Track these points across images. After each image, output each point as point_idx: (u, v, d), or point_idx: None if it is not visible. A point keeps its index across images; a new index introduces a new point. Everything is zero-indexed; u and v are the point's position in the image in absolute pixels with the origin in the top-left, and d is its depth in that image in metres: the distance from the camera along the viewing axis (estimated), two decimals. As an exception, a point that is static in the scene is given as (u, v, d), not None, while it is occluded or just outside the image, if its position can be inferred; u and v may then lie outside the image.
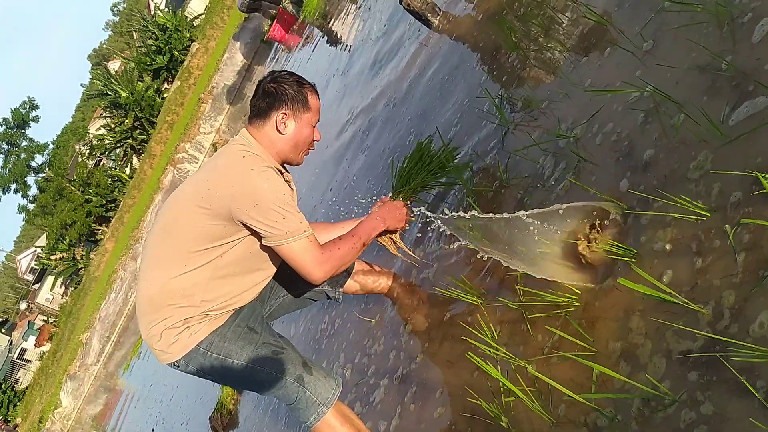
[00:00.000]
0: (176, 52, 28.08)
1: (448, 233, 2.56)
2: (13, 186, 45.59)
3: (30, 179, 45.68)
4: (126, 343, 17.07)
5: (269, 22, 15.08)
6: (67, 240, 32.42)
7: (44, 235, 38.50)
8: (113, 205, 31.01)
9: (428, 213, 2.58)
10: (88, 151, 34.90)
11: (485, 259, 2.01)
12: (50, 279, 37.92)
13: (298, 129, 2.17)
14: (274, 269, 2.27)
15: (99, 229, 31.59)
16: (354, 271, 2.72)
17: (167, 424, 7.10)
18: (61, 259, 32.68)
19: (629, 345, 1.42)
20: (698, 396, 1.20)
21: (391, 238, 2.62)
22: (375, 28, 6.92)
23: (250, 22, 17.48)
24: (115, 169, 33.25)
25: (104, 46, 64.36)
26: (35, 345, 39.84)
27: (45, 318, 41.01)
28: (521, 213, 1.76)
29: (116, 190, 31.94)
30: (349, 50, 7.89)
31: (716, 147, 1.46)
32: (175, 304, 2.04)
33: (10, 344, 44.26)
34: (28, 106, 46.76)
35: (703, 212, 1.38)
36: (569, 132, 2.12)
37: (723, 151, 1.44)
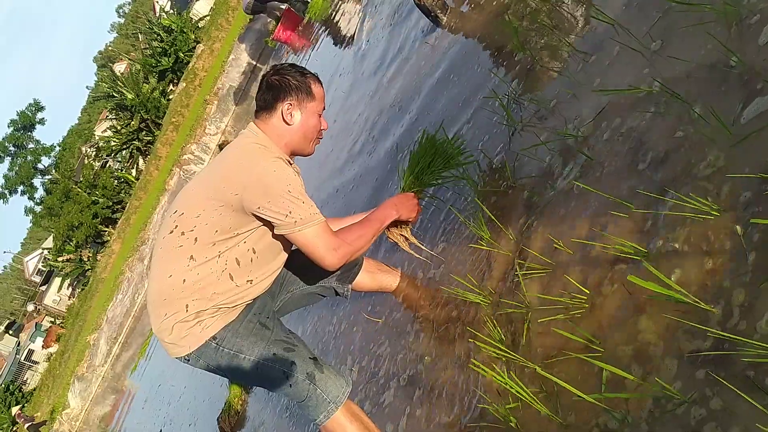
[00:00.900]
0: (181, 54, 28.13)
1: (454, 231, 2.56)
2: (20, 188, 45.79)
3: (36, 181, 45.89)
4: (133, 344, 17.11)
5: (274, 23, 15.08)
6: (74, 241, 32.52)
7: (51, 237, 38.65)
8: (119, 206, 31.10)
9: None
10: (94, 152, 35.03)
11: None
12: (57, 280, 38.06)
13: (305, 118, 2.21)
14: (284, 261, 2.29)
15: (105, 231, 31.68)
16: (363, 268, 2.73)
17: (175, 425, 7.11)
18: (68, 260, 32.80)
19: (639, 344, 1.42)
20: (707, 393, 1.20)
21: (402, 234, 2.64)
22: (381, 27, 6.92)
23: (255, 24, 17.48)
24: (121, 170, 33.33)
25: (110, 48, 64.58)
26: (42, 346, 39.95)
27: (52, 319, 41.17)
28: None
29: (122, 191, 32.03)
30: (355, 50, 7.89)
31: (726, 146, 1.46)
32: (187, 297, 2.05)
33: (18, 346, 44.47)
34: (34, 108, 46.96)
35: (713, 211, 1.38)
36: (577, 131, 2.12)
37: (733, 151, 1.43)
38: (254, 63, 17.49)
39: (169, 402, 8.32)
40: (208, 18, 26.76)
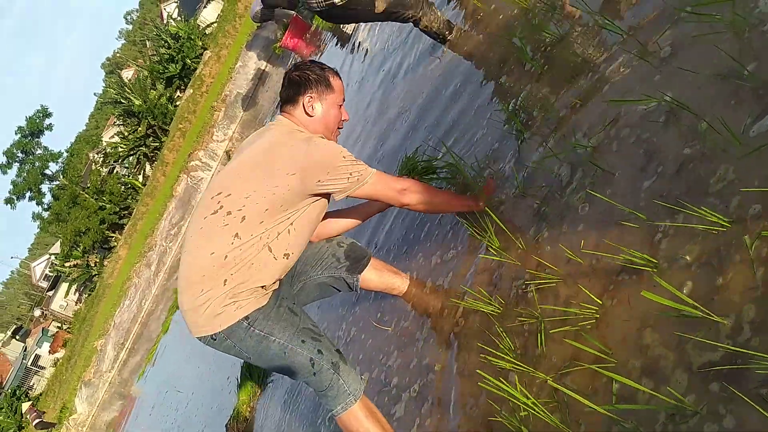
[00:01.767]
0: (189, 61, 28.33)
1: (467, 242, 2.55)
2: (28, 194, 46.10)
3: (44, 187, 46.20)
4: (140, 350, 17.16)
5: (282, 30, 15.14)
6: (81, 247, 32.69)
7: (58, 243, 38.85)
8: (126, 212, 31.26)
9: None
10: (101, 158, 35.21)
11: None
12: (64, 286, 38.27)
13: (326, 109, 2.33)
14: (311, 236, 2.38)
15: (112, 237, 31.83)
16: (371, 265, 2.76)
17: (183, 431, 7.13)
18: (75, 266, 32.96)
19: (650, 357, 1.42)
20: (720, 409, 1.20)
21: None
22: (389, 37, 6.94)
23: (262, 31, 17.55)
24: (129, 176, 33.50)
25: (117, 54, 65.02)
26: (49, 352, 40.10)
27: (59, 325, 41.30)
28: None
29: (129, 197, 32.21)
30: (363, 60, 7.92)
31: (737, 158, 1.46)
32: (226, 272, 2.08)
33: (25, 351, 44.60)
34: (41, 115, 47.28)
35: (723, 224, 1.39)
36: (586, 141, 2.12)
37: (743, 163, 1.44)
38: (262, 70, 17.54)
39: (177, 408, 8.35)
40: (216, 25, 26.92)
